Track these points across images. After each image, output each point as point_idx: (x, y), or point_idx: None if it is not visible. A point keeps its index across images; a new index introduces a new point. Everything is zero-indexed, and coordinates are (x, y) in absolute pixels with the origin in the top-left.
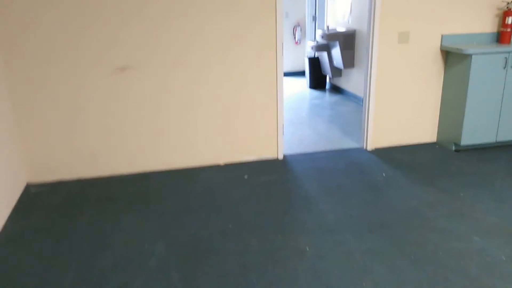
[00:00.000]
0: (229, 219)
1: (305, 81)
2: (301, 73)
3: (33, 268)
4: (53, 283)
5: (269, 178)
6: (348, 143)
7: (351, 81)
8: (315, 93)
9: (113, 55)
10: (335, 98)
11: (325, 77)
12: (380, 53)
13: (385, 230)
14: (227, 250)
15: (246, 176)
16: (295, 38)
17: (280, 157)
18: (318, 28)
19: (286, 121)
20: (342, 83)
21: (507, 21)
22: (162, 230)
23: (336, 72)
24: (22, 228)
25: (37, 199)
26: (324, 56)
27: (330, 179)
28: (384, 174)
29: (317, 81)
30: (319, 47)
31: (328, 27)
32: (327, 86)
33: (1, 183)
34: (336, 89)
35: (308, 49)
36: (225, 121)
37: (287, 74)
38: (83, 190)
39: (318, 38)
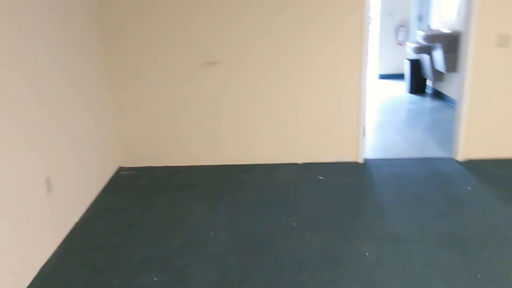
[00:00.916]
0: (295, 217)
1: (404, 84)
2: (402, 76)
3: (108, 243)
4: (123, 258)
5: (344, 181)
6: (437, 152)
7: (453, 87)
8: (414, 97)
9: (206, 50)
10: (435, 104)
11: (425, 81)
12: (476, 56)
13: (455, 245)
14: (287, 246)
15: (321, 177)
16: (397, 38)
17: (361, 160)
18: (421, 29)
19: (375, 125)
20: (444, 88)
21: None
22: (229, 220)
23: (438, 76)
24: (107, 206)
25: (125, 182)
26: (425, 58)
27: (408, 187)
28: (469, 188)
29: (417, 85)
30: (420, 49)
31: (430, 27)
32: (428, 91)
33: (95, 165)
34: (437, 94)
35: (409, 51)
36: (307, 120)
37: (385, 76)
38: (167, 177)
39: (420, 39)
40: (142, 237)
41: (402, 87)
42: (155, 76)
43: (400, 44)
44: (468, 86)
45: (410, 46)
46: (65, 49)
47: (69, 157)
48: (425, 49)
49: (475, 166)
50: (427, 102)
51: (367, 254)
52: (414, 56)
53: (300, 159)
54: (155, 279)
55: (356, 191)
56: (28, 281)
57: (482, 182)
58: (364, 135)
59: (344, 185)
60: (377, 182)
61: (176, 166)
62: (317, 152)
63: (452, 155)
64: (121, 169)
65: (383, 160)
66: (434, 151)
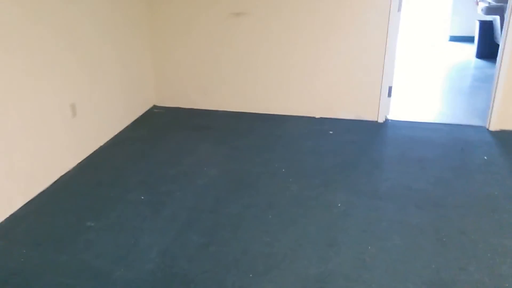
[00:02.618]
0: (286, 165)
1: (474, 48)
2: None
3: (118, 165)
4: (124, 178)
5: (353, 138)
6: (473, 120)
7: None
8: (481, 63)
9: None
10: None
11: (497, 46)
12: None
13: (435, 209)
14: (266, 188)
15: (331, 132)
16: None
17: (380, 120)
18: None
19: (421, 88)
20: None
21: None
22: (225, 160)
23: None
24: (130, 136)
25: (153, 118)
26: (497, 20)
27: (417, 151)
28: (485, 157)
29: (487, 49)
30: (491, 9)
31: None
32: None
33: (129, 100)
34: None
35: (479, 11)
36: (329, 75)
37: (457, 38)
38: (189, 117)
39: None
40: (146, 164)
41: (471, 51)
42: (187, 24)
43: (477, 3)
44: (509, 48)
45: (481, 6)
46: None
47: (100, 90)
48: (496, 10)
49: (505, 137)
50: (493, 69)
51: (339, 204)
52: (485, 17)
53: (318, 113)
54: (142, 197)
55: (359, 148)
56: (47, 184)
57: (504, 154)
58: (389, 96)
59: (351, 141)
60: (387, 143)
61: (200, 109)
62: (336, 108)
63: (486, 124)
64: (154, 107)
65: (407, 122)
66: (470, 119)
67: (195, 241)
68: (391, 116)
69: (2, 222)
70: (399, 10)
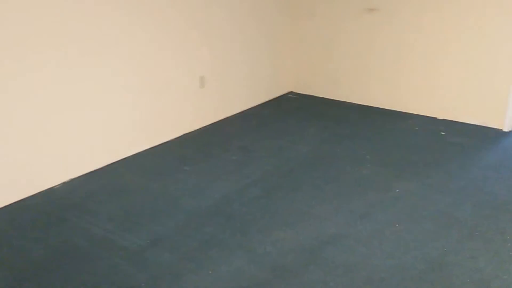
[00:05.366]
0: (374, 154)
1: None
2: None
3: (232, 132)
4: (230, 142)
5: (463, 141)
6: None
7: None
8: None
9: None
10: None
11: None
12: None
13: (488, 209)
14: (340, 168)
15: (443, 133)
16: None
17: (506, 129)
18: None
19: None
20: None
21: None
22: (321, 142)
23: None
24: (254, 113)
25: (283, 102)
26: None
27: None
28: None
29: None
30: None
31: None
32: None
33: (268, 84)
34: None
35: None
36: (455, 77)
37: None
38: (314, 105)
39: None
40: (252, 135)
41: None
42: (324, 19)
43: None
44: None
45: None
46: None
47: (230, 70)
48: None
49: None
50: None
51: (397, 190)
52: None
53: (440, 115)
54: (233, 157)
55: (462, 150)
56: (171, 138)
57: None
58: None
59: (458, 144)
60: (497, 151)
61: (328, 99)
62: (460, 111)
63: None
64: (290, 93)
65: None
66: None
67: (253, 194)
68: None
69: (129, 157)
70: None
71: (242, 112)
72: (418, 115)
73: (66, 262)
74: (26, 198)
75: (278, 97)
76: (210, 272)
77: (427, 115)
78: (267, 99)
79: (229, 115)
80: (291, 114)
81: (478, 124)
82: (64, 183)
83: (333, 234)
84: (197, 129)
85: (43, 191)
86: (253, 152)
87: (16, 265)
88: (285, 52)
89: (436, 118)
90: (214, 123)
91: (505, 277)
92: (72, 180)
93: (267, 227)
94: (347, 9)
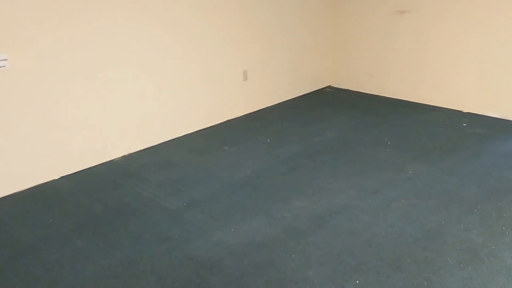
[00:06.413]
0: (395, 140)
1: None
2: None
3: (270, 120)
4: (267, 127)
5: (482, 132)
6: None
7: None
8: None
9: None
10: None
11: None
12: None
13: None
14: (361, 152)
15: (464, 124)
16: None
17: None
18: None
19: None
20: None
21: None
22: (347, 129)
23: None
24: (290, 104)
25: (320, 95)
26: None
27: None
28: None
29: None
30: None
31: None
32: None
33: (307, 78)
34: None
35: None
36: (480, 72)
37: None
38: (349, 98)
39: None
40: (287, 123)
41: None
42: (361, 19)
43: None
44: None
45: None
46: None
47: (274, 65)
48: None
49: None
50: None
51: (410, 172)
52: None
53: (465, 108)
54: (268, 140)
55: (480, 140)
56: (215, 123)
57: None
58: None
59: (478, 134)
60: (509, 141)
61: (363, 92)
62: (484, 105)
63: None
64: (328, 87)
65: None
66: None
67: (279, 171)
68: None
69: (179, 137)
70: None
71: (282, 102)
72: (444, 108)
73: (118, 217)
74: (93, 166)
75: (316, 90)
76: (232, 230)
77: (453, 108)
78: (306, 92)
79: (269, 105)
80: (325, 105)
81: (499, 117)
82: (123, 156)
83: (344, 205)
84: (240, 116)
85: (106, 161)
86: (285, 137)
87: (78, 217)
88: (325, 49)
89: (461, 111)
90: (256, 111)
91: (493, 247)
92: (130, 154)
93: (286, 197)
94: (380, 11)
